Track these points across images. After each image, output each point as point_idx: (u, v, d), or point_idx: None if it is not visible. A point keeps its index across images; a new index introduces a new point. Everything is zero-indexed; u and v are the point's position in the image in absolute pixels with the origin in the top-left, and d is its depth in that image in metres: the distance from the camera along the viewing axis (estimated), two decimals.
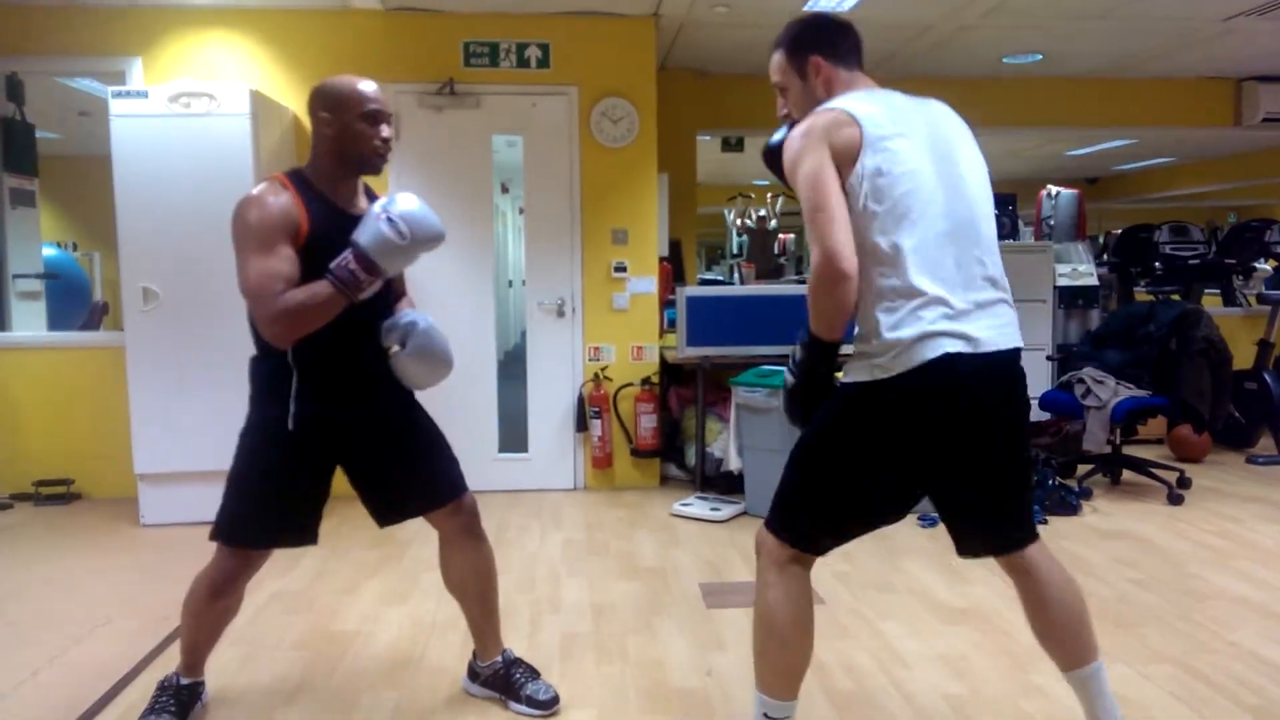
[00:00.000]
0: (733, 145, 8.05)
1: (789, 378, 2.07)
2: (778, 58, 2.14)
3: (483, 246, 5.29)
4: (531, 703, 2.58)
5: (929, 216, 1.90)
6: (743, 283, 8.64)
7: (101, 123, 4.58)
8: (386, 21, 5.10)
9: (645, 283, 5.36)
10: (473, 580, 2.61)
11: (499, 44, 5.16)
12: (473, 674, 2.72)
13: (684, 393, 5.51)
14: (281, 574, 3.73)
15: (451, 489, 2.53)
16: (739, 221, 10.43)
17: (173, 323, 4.52)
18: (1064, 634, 2.03)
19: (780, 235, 11.19)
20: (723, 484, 5.10)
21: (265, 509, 2.39)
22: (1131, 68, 6.60)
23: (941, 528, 2.28)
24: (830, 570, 3.77)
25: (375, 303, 2.34)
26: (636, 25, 5.23)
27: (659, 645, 3.07)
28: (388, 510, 2.54)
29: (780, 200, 10.67)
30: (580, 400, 5.31)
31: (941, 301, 1.88)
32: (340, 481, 2.48)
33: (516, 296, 9.71)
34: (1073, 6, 5.13)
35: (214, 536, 2.40)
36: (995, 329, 1.94)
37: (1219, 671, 2.81)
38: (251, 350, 2.39)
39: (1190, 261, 6.92)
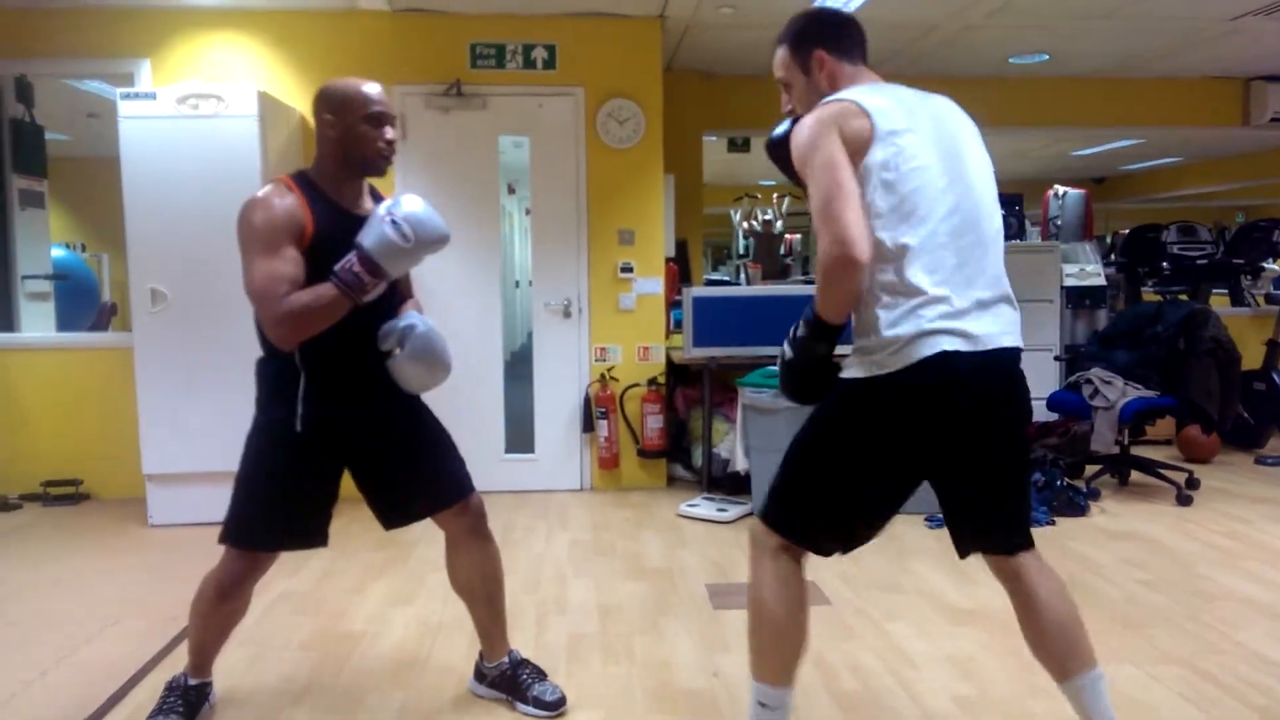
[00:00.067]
0: (739, 146, 8.05)
1: (786, 350, 2.05)
2: (781, 53, 2.13)
3: (489, 247, 5.30)
4: (538, 703, 2.58)
5: (935, 215, 1.89)
6: (749, 283, 8.63)
7: (110, 124, 4.59)
8: (393, 23, 5.11)
9: (651, 283, 5.36)
10: (479, 581, 2.61)
11: (505, 45, 5.17)
12: (479, 675, 2.72)
13: (690, 393, 5.51)
14: (289, 575, 3.73)
15: (458, 489, 2.53)
16: (745, 224, 10.42)
17: (181, 324, 4.53)
18: (1055, 644, 2.00)
19: (787, 236, 11.18)
20: (729, 485, 5.10)
21: (273, 511, 2.39)
22: (1138, 67, 6.58)
23: None
24: (837, 571, 3.77)
25: (381, 304, 2.33)
26: (642, 26, 5.23)
27: (665, 646, 3.07)
28: (394, 512, 2.54)
29: (786, 200, 10.65)
30: (587, 401, 5.31)
31: (942, 300, 1.87)
32: (347, 483, 2.48)
33: (523, 297, 9.73)
34: (1078, 6, 5.12)
35: (223, 539, 2.41)
36: (996, 328, 1.93)
37: (1227, 672, 2.80)
38: (258, 351, 2.39)
39: (1198, 261, 6.90)
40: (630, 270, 5.32)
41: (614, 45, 5.22)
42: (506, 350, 5.53)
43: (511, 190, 9.35)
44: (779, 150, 2.10)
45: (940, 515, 2.08)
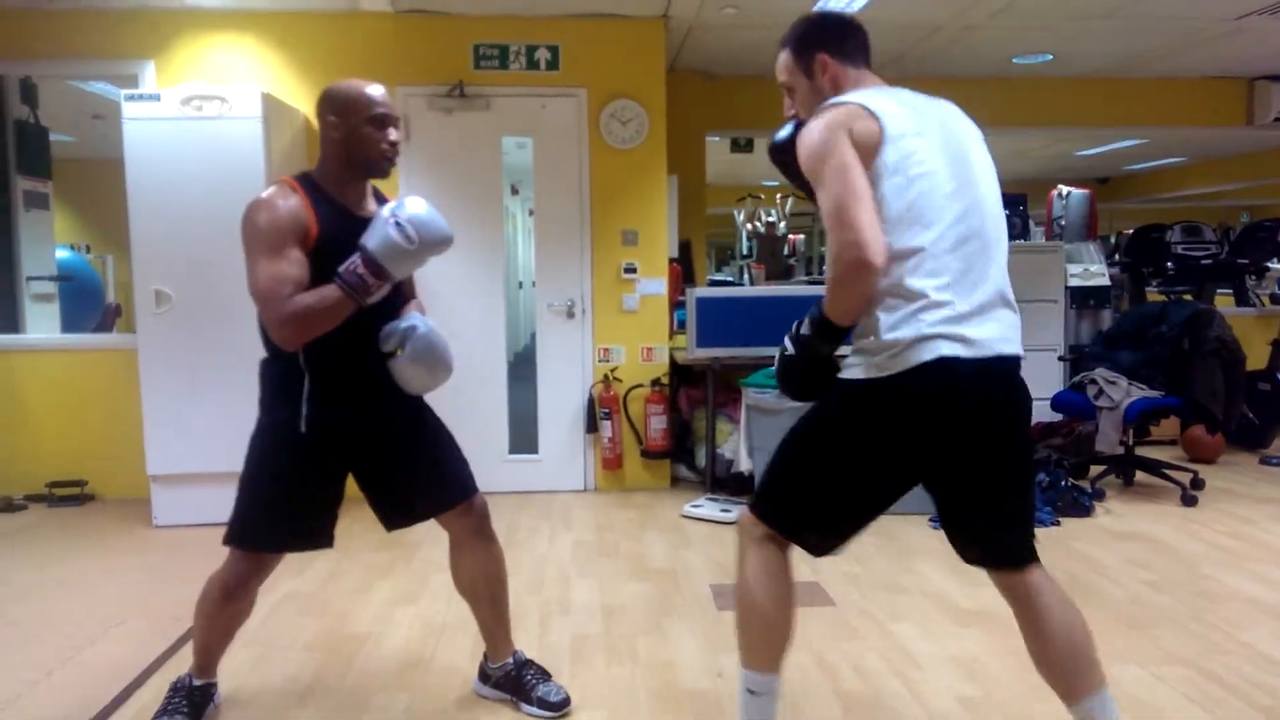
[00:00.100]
0: (742, 146, 8.04)
1: (788, 347, 2.04)
2: (784, 57, 2.12)
3: (493, 248, 5.30)
4: (543, 704, 2.59)
5: (941, 219, 1.88)
6: (753, 284, 8.63)
7: (114, 126, 4.60)
8: (396, 24, 5.12)
9: (655, 284, 5.36)
10: (483, 582, 2.62)
11: (508, 46, 5.17)
12: (484, 675, 2.72)
13: (694, 394, 5.51)
14: (294, 575, 3.74)
15: (461, 490, 2.53)
16: (749, 225, 10.42)
17: (185, 325, 4.54)
18: (1064, 666, 1.97)
19: (790, 236, 11.18)
20: (733, 485, 5.10)
21: (277, 512, 2.39)
22: (1141, 67, 6.57)
23: None
24: (841, 571, 3.77)
25: (384, 305, 2.34)
26: (645, 27, 5.23)
27: (669, 647, 3.07)
28: (397, 513, 2.54)
29: (790, 201, 10.65)
30: (590, 401, 5.31)
31: (944, 305, 1.86)
32: (351, 483, 2.48)
33: (526, 298, 9.72)
34: (1081, 6, 5.11)
35: (227, 540, 2.41)
36: (997, 335, 1.92)
37: (1232, 673, 2.80)
38: (262, 353, 2.40)
39: (1203, 261, 6.89)
40: (634, 271, 5.32)
41: (617, 46, 5.22)
42: (510, 351, 5.53)
43: (515, 191, 9.34)
44: (783, 154, 2.09)
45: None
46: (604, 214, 5.29)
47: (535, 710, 2.59)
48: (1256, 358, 5.81)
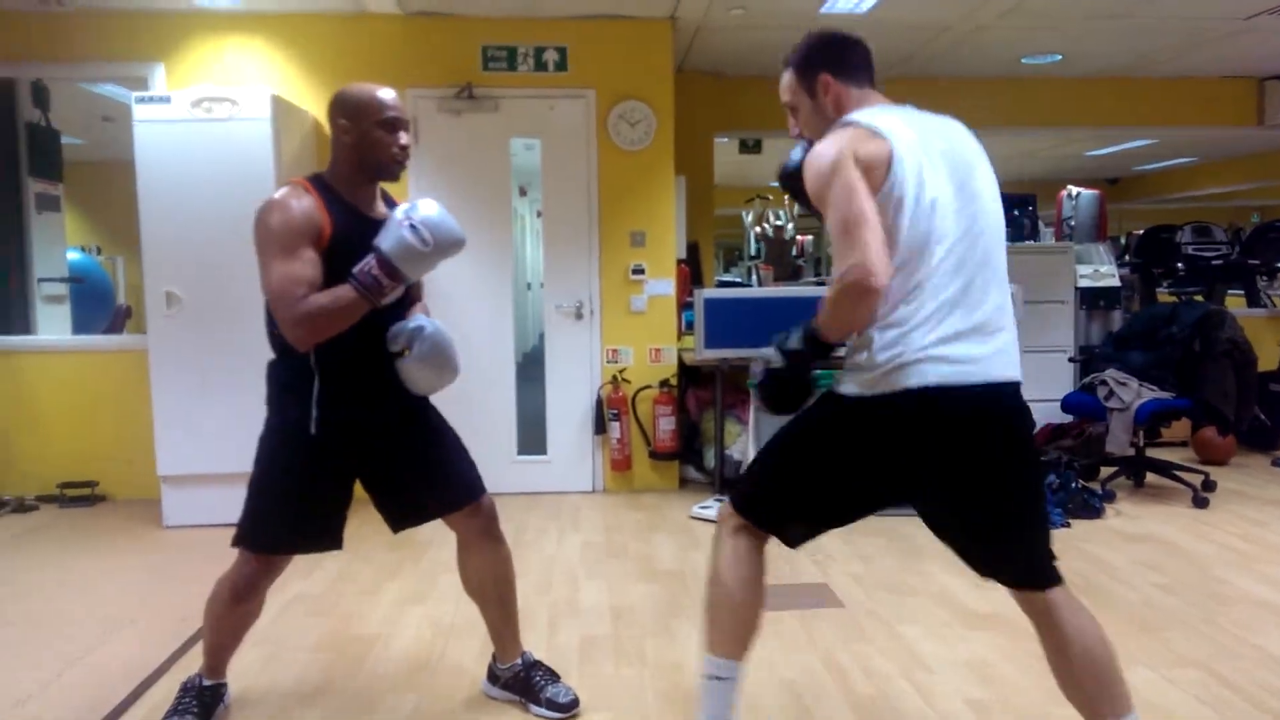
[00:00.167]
0: (750, 147, 8.03)
1: (775, 358, 2.04)
2: (787, 76, 2.13)
3: (501, 249, 5.31)
4: (551, 705, 2.59)
5: (944, 240, 1.87)
6: (761, 284, 8.62)
7: (125, 128, 4.62)
8: (405, 26, 5.13)
9: (663, 285, 5.36)
10: (491, 583, 2.62)
11: (517, 47, 5.18)
12: (492, 676, 2.72)
13: (702, 395, 5.51)
14: (303, 576, 3.75)
15: (469, 491, 2.53)
16: (758, 227, 10.41)
17: (195, 326, 4.55)
18: (1084, 686, 1.95)
19: (799, 237, 11.16)
20: None
21: (286, 514, 2.40)
22: (1151, 67, 6.55)
23: None
24: (849, 573, 3.76)
25: (393, 306, 2.34)
26: (653, 28, 5.23)
27: (678, 648, 3.07)
28: (404, 514, 2.55)
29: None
30: (599, 402, 5.31)
31: (938, 326, 1.86)
32: (357, 485, 2.49)
33: (535, 299, 9.74)
34: (1090, 6, 5.09)
35: (236, 542, 2.41)
36: (992, 359, 1.90)
37: (1243, 676, 2.78)
38: (270, 354, 2.40)
39: (1213, 262, 6.86)
40: (642, 272, 5.32)
41: (625, 47, 5.22)
42: (518, 352, 5.54)
43: (523, 192, 9.36)
44: (794, 181, 2.08)
45: None
46: (612, 215, 5.30)
47: (544, 711, 2.59)
48: (1268, 359, 5.78)
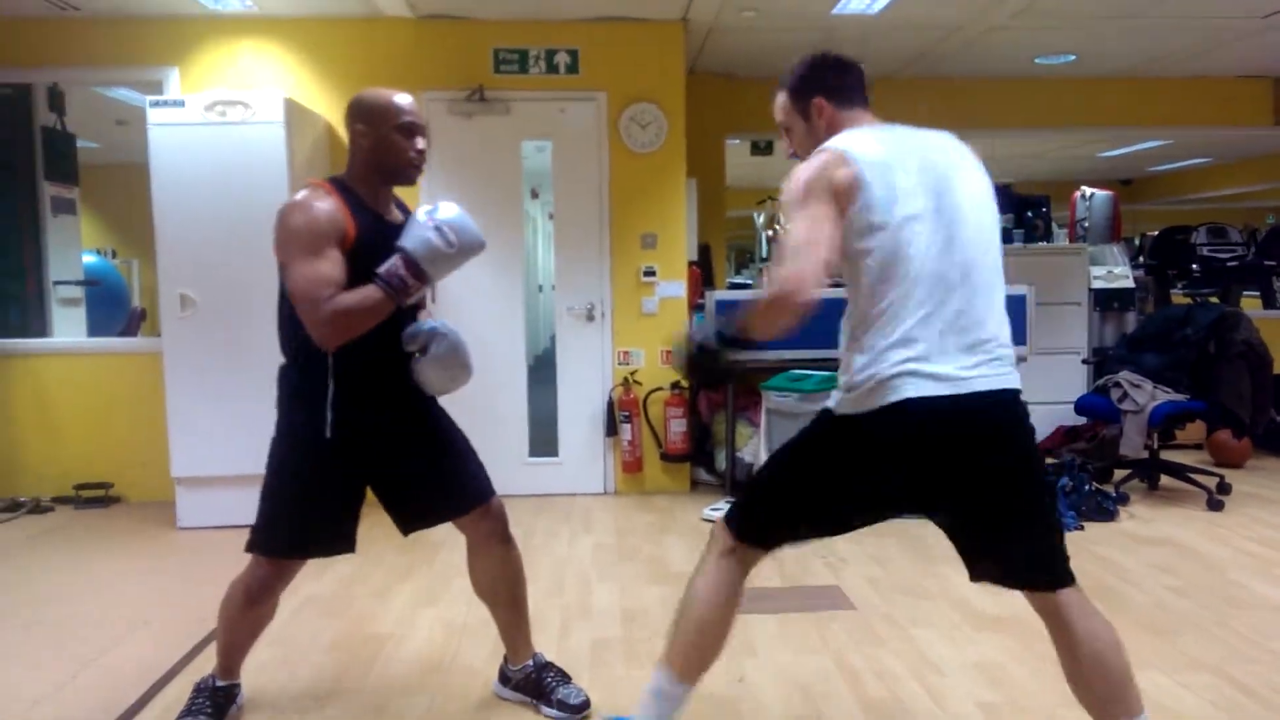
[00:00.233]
0: (762, 149, 8.01)
1: (696, 336, 2.04)
2: (781, 98, 2.17)
3: (512, 252, 5.32)
4: (563, 707, 2.59)
5: (919, 259, 1.89)
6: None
7: (139, 131, 4.65)
8: (417, 29, 5.15)
9: (674, 287, 5.36)
10: (502, 585, 2.62)
11: (528, 50, 5.19)
12: (504, 678, 2.73)
13: (714, 397, 5.50)
14: (316, 577, 3.76)
15: (478, 494, 2.54)
16: (769, 231, 10.40)
17: (209, 328, 4.58)
18: (1094, 688, 1.95)
19: None
20: None
21: (300, 518, 2.40)
22: (1166, 67, 6.50)
23: None
24: (863, 575, 3.75)
25: (406, 310, 2.36)
26: (665, 30, 5.24)
27: None
28: (413, 517, 2.55)
29: None
30: (610, 404, 5.32)
31: (914, 343, 1.87)
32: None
33: (546, 301, 9.74)
34: (1105, 6, 5.07)
35: (250, 548, 2.41)
36: (978, 370, 1.90)
37: (1257, 679, 2.76)
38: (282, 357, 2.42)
39: (1228, 263, 6.83)
40: (653, 274, 5.32)
41: (636, 49, 5.22)
42: (530, 354, 5.55)
43: (534, 195, 9.36)
44: (706, 358, 2.11)
45: None
46: (623, 217, 5.30)
47: (555, 713, 2.59)
48: None
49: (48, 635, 3.29)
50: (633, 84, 5.23)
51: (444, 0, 4.92)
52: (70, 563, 4.15)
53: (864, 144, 1.94)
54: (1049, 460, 5.20)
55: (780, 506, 2.11)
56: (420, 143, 2.36)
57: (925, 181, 1.93)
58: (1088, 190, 7.13)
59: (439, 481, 2.51)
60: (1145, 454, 4.98)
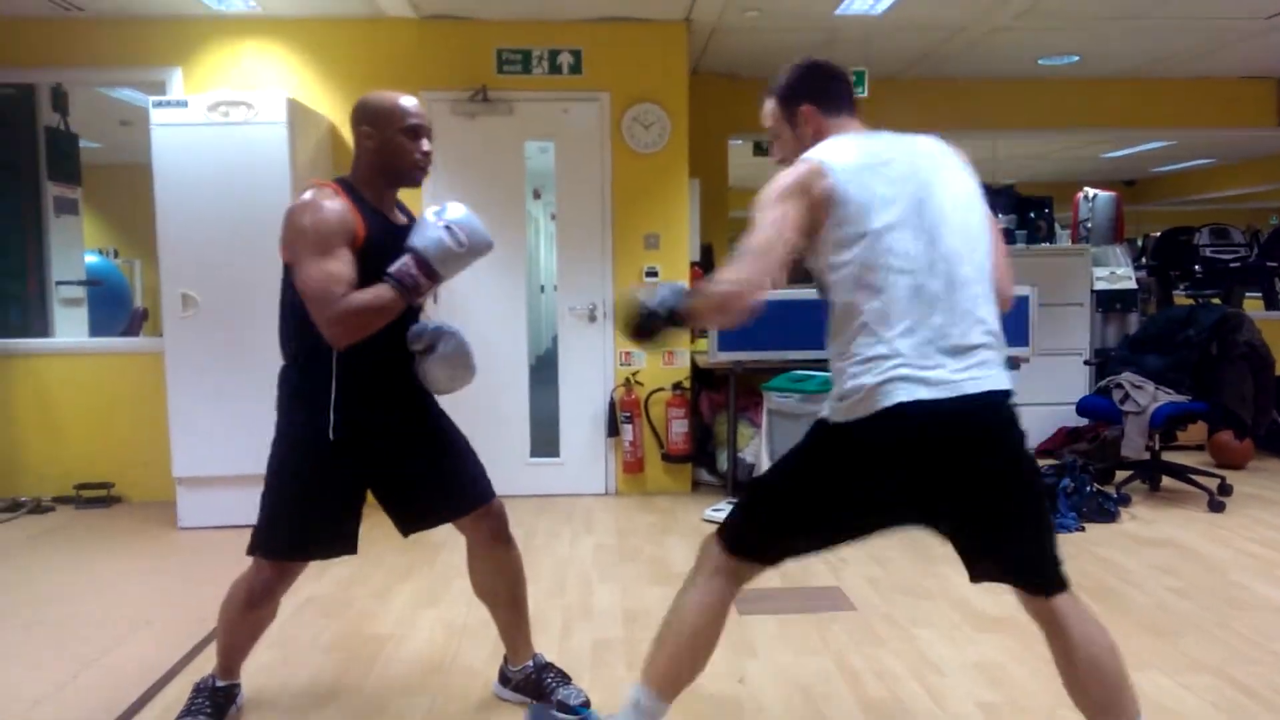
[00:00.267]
0: (764, 149, 8.01)
1: (644, 305, 2.04)
2: (770, 105, 2.19)
3: (515, 252, 5.32)
4: (562, 707, 2.58)
5: (900, 267, 1.89)
6: (774, 287, 8.61)
7: (142, 132, 4.66)
8: (420, 29, 5.15)
9: None
10: (502, 586, 2.62)
11: (531, 51, 5.19)
12: (504, 678, 2.73)
13: (715, 398, 5.50)
14: (316, 577, 3.76)
15: (479, 495, 2.54)
16: None
17: (211, 329, 4.58)
18: (1090, 693, 1.96)
19: None
20: None
21: (301, 520, 2.40)
22: (1170, 68, 6.49)
23: None
24: (863, 576, 3.75)
25: (409, 311, 2.36)
26: (668, 30, 5.24)
27: None
28: (413, 518, 2.55)
29: None
30: (612, 405, 5.32)
31: (902, 350, 1.87)
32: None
33: (548, 302, 9.75)
34: (1108, 7, 5.07)
35: (252, 550, 2.41)
36: (967, 373, 1.89)
37: (1259, 681, 2.76)
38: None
39: (1231, 264, 6.82)
40: (655, 274, 5.32)
41: (639, 50, 5.23)
42: (531, 355, 5.55)
43: (537, 195, 9.37)
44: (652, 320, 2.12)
45: None
46: (626, 218, 5.30)
47: (555, 714, 2.59)
48: None
49: (48, 635, 3.29)
50: (636, 84, 5.23)
51: (447, 0, 4.92)
52: (71, 563, 4.15)
53: (843, 154, 1.96)
54: (1050, 461, 5.19)
55: (776, 518, 2.10)
56: (426, 145, 2.37)
57: (906, 189, 1.94)
58: (1091, 191, 7.13)
59: (439, 482, 2.51)
60: (1147, 455, 4.98)
